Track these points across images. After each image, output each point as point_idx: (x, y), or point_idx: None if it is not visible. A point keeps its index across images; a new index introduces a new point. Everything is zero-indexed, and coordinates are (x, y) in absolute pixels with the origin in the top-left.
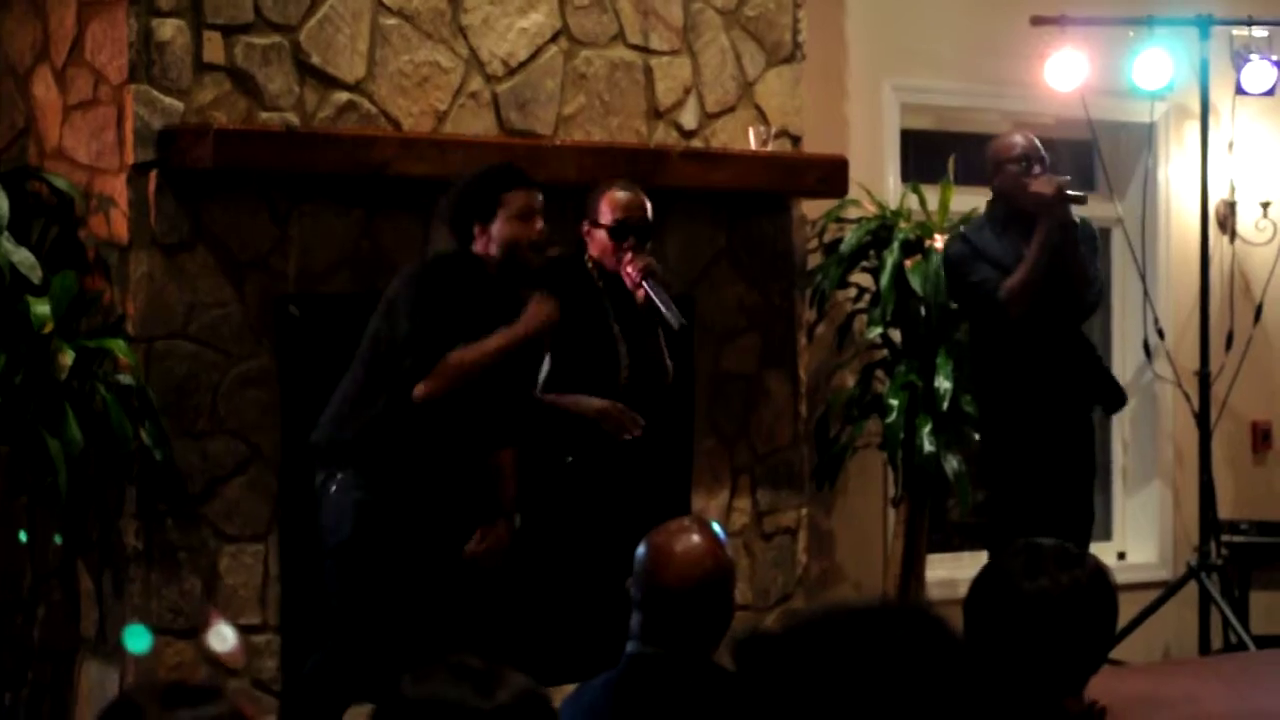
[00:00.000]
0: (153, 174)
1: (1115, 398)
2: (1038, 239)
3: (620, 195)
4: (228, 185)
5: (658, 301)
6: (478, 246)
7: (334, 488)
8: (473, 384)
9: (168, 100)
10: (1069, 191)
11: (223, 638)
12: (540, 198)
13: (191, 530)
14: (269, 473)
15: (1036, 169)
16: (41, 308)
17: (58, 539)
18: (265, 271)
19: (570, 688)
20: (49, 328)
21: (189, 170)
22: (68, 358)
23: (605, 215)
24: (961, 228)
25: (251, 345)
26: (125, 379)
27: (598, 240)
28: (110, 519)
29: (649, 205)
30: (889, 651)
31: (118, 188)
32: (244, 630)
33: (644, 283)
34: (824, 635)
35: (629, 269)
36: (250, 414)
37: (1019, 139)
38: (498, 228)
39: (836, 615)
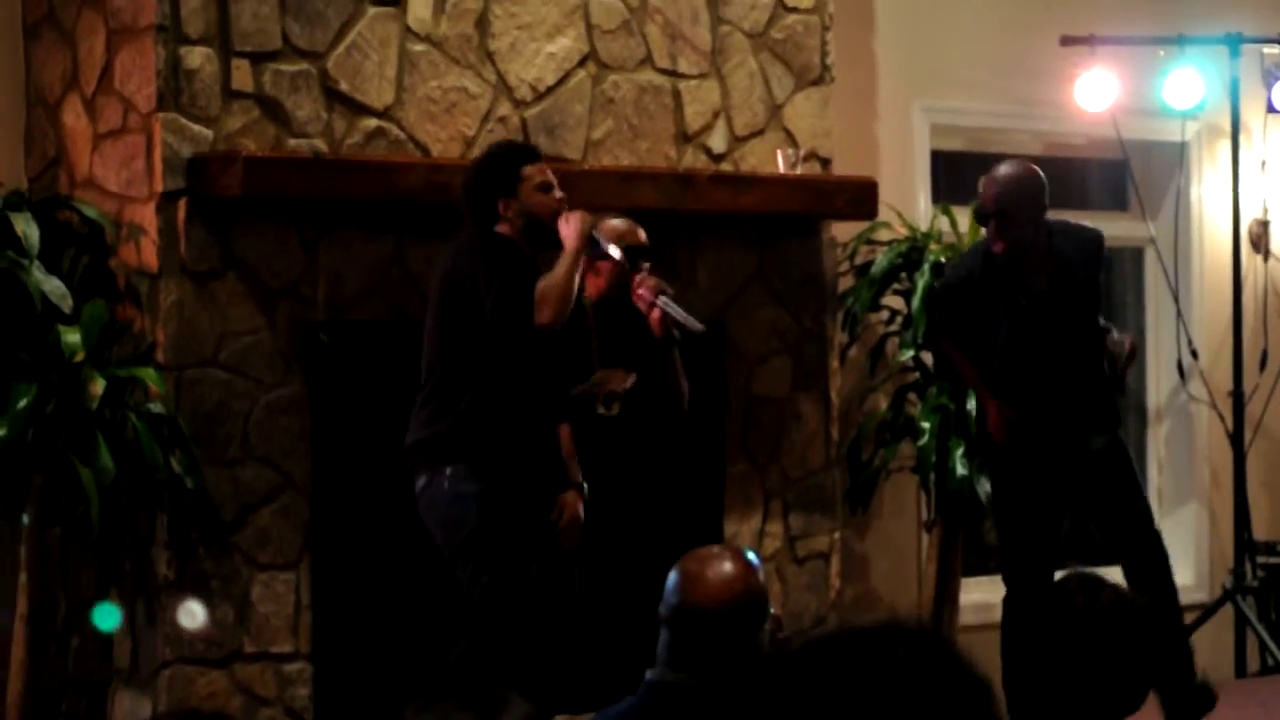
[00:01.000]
0: (182, 202)
1: (1110, 421)
2: (979, 391)
3: (618, 224)
4: (257, 212)
5: (676, 315)
6: (502, 226)
7: (445, 484)
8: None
9: (196, 128)
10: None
11: (191, 614)
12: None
13: (223, 558)
14: (300, 500)
15: (993, 225)
16: (72, 337)
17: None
18: (295, 298)
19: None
20: (80, 357)
21: (218, 198)
22: (99, 386)
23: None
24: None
25: (282, 372)
26: (156, 407)
27: (602, 271)
28: (142, 548)
29: (640, 230)
30: (893, 672)
31: (147, 216)
32: (276, 659)
33: (658, 301)
34: (829, 657)
35: (641, 291)
36: (281, 441)
37: (988, 187)
38: (522, 201)
39: (843, 637)
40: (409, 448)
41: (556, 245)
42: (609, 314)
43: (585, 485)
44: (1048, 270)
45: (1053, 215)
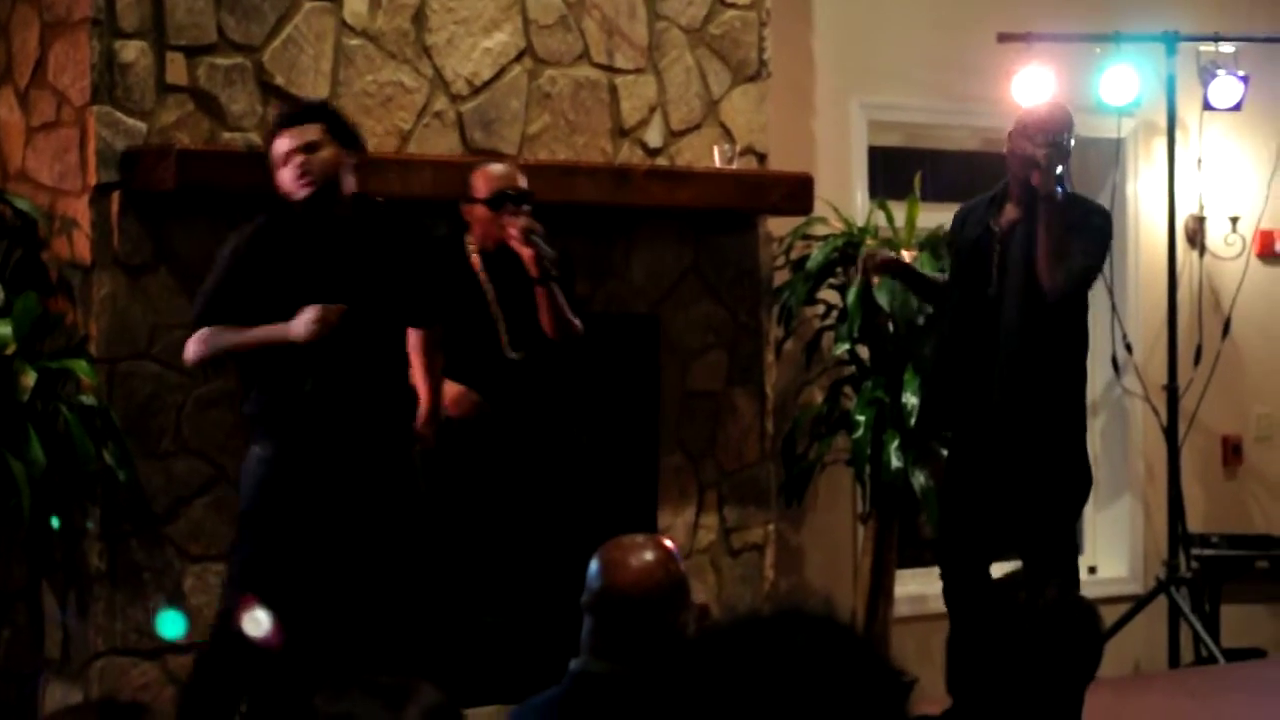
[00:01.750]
0: (115, 195)
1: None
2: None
3: (493, 168)
4: (191, 206)
5: (543, 249)
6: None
7: (249, 462)
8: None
9: (130, 121)
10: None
11: (257, 622)
12: (304, 133)
13: (156, 550)
14: (233, 492)
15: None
16: (3, 329)
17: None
18: None
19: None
20: (11, 349)
21: (152, 191)
22: (30, 379)
23: (481, 190)
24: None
25: (214, 366)
26: (88, 400)
27: (477, 216)
28: (74, 540)
29: (521, 176)
30: (794, 658)
31: (80, 209)
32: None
33: (528, 240)
34: (732, 645)
35: (512, 231)
36: (213, 435)
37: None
38: (273, 171)
39: (744, 624)
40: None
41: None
42: (499, 263)
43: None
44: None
45: None
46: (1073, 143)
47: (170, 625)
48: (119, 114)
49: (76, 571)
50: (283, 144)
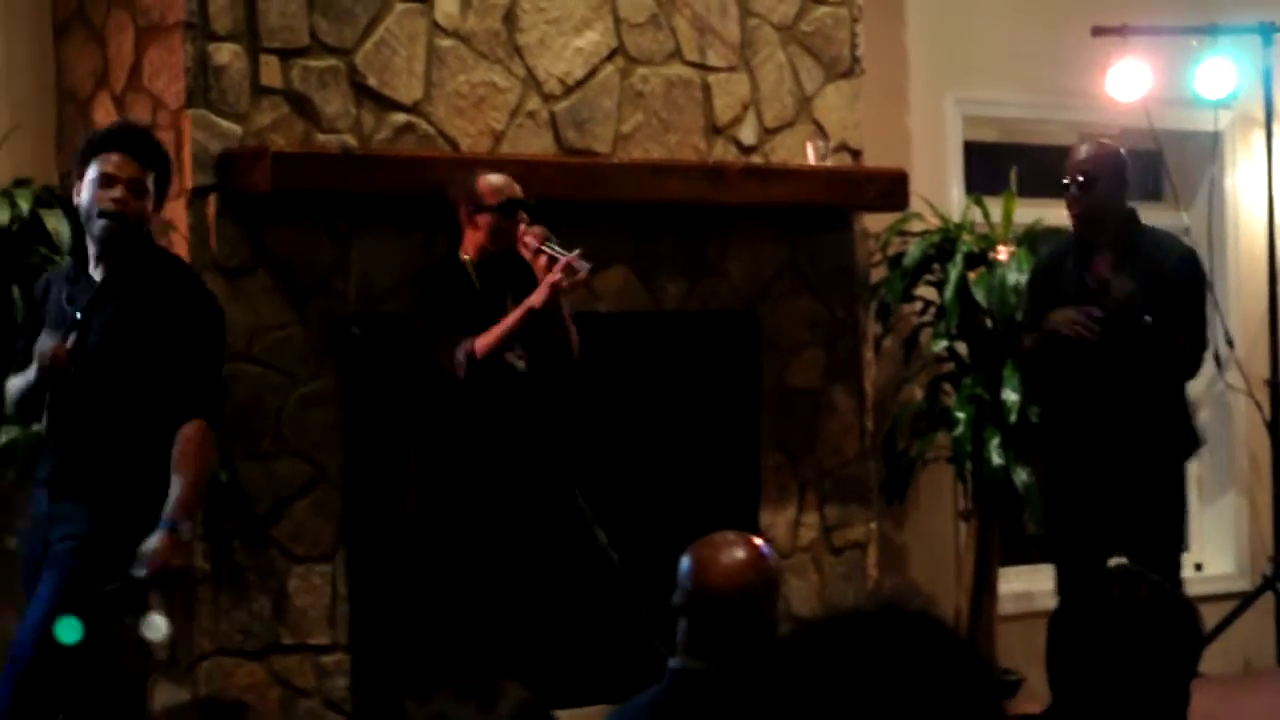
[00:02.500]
0: (212, 198)
1: (1186, 442)
2: (1038, 332)
3: (495, 179)
4: (287, 208)
5: (565, 257)
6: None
7: None
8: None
9: (225, 124)
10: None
11: (155, 627)
12: (126, 163)
13: (259, 551)
14: (334, 493)
15: (1071, 191)
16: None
17: None
18: (326, 293)
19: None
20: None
21: (248, 194)
22: None
23: (490, 198)
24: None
25: (314, 366)
26: None
27: (483, 225)
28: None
29: (516, 184)
30: (888, 655)
31: (177, 212)
32: (313, 650)
33: (545, 247)
34: (824, 642)
35: (527, 239)
36: (314, 434)
37: (1067, 159)
38: (85, 190)
39: (839, 622)
40: None
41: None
42: (492, 271)
43: (185, 526)
44: (1127, 267)
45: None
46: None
47: (67, 631)
48: (214, 117)
49: None
50: (108, 166)
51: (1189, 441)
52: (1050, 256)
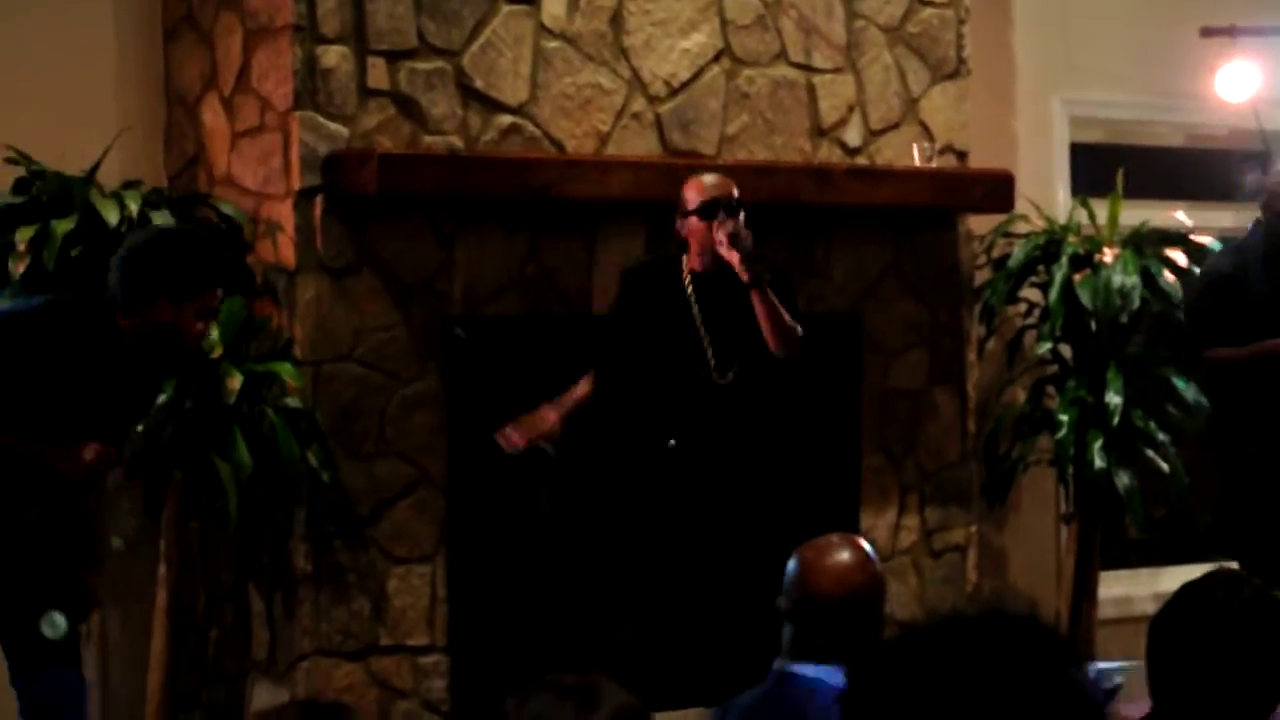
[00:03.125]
0: (319, 199)
1: None
2: (1257, 348)
3: (705, 179)
4: (393, 209)
5: (748, 251)
6: (147, 314)
7: None
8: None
9: (333, 126)
10: None
11: (54, 624)
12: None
13: (360, 552)
14: (436, 494)
15: None
16: (211, 333)
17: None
18: (431, 294)
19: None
20: (218, 352)
21: (354, 195)
22: (236, 382)
23: (691, 201)
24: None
25: (418, 367)
26: (293, 402)
27: (691, 229)
28: (280, 541)
29: (733, 185)
30: (993, 659)
31: (284, 213)
32: (412, 651)
33: (733, 243)
34: (930, 644)
35: (719, 236)
36: (417, 436)
37: None
38: (181, 316)
39: (944, 624)
40: None
41: (164, 361)
42: (712, 285)
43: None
44: None
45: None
46: None
47: (52, 627)
48: (321, 119)
49: (282, 573)
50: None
51: None
52: (1228, 265)
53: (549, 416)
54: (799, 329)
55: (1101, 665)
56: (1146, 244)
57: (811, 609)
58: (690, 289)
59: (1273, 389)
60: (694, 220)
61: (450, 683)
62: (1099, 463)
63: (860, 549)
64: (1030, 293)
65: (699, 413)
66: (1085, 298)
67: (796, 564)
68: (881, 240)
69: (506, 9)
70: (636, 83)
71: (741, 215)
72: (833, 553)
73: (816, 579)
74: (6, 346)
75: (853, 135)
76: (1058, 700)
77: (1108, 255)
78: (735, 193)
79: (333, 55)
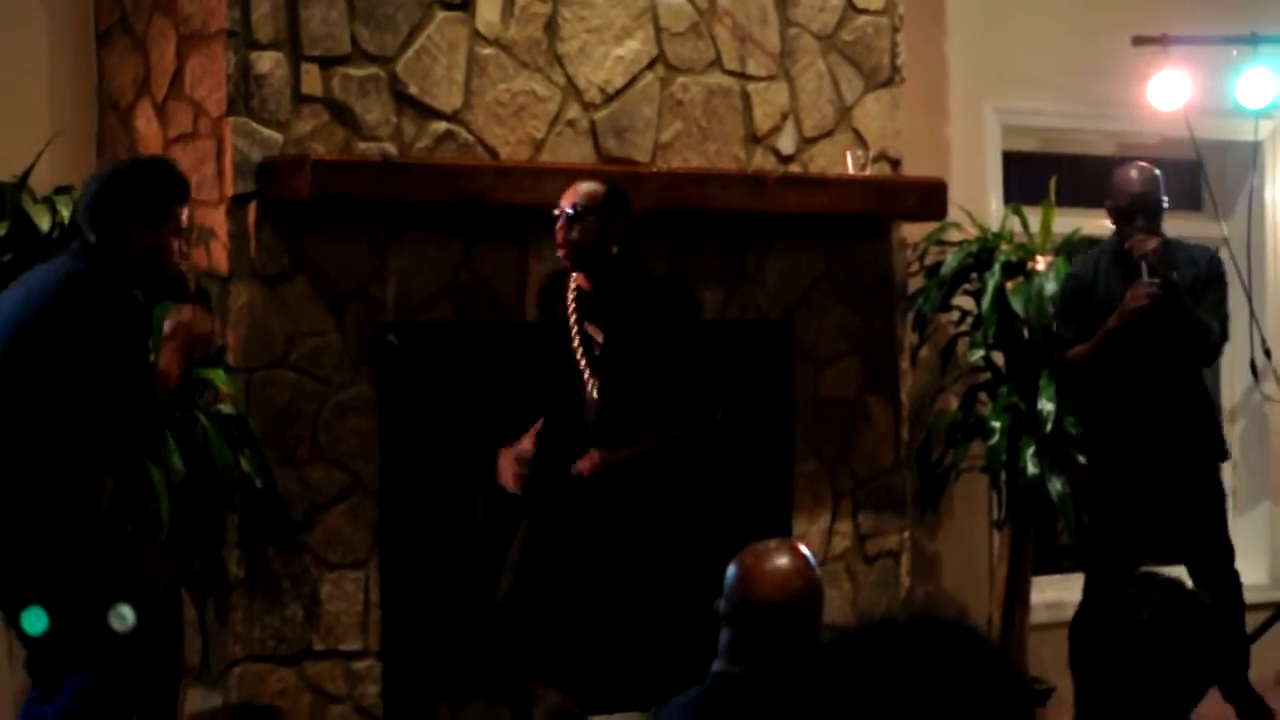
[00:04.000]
0: (252, 205)
1: (1217, 451)
2: (1113, 320)
3: (576, 184)
4: (326, 216)
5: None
6: (129, 247)
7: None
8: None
9: (266, 132)
10: (1145, 254)
11: (122, 617)
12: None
13: (293, 558)
14: (369, 500)
15: (1139, 221)
16: (186, 251)
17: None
18: (365, 301)
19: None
20: (151, 358)
21: (288, 201)
22: None
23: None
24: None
25: (351, 374)
26: (226, 408)
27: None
28: (213, 547)
29: (576, 193)
30: (920, 664)
31: (218, 219)
32: (345, 657)
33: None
34: (862, 650)
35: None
36: (350, 442)
37: (1134, 184)
38: (159, 237)
39: (873, 630)
40: None
41: (170, 287)
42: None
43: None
44: (1155, 277)
45: None
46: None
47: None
48: (255, 125)
49: (215, 579)
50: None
51: (1220, 450)
52: (1083, 269)
53: (523, 444)
54: None
55: None
56: (1078, 252)
57: (751, 613)
58: (573, 303)
59: (1115, 375)
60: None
61: (383, 688)
62: (1031, 469)
63: (800, 555)
64: (963, 300)
65: (586, 426)
66: (1018, 305)
67: (737, 568)
68: (815, 248)
69: (441, 15)
70: (571, 90)
71: (593, 225)
72: (773, 558)
73: (757, 584)
74: (88, 311)
75: (786, 143)
76: (986, 705)
77: (1040, 263)
78: (596, 205)
79: (266, 61)
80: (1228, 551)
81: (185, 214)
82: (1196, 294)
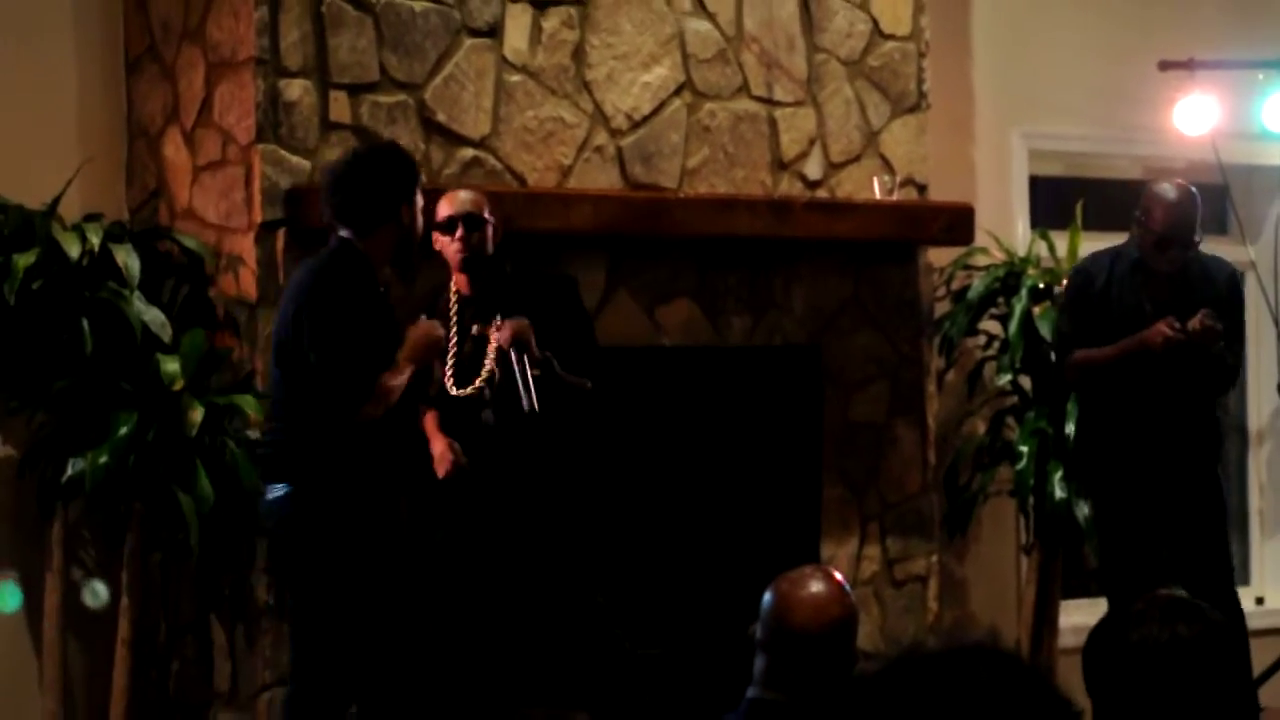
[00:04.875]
0: (280, 233)
1: (1215, 473)
2: (1124, 345)
3: (458, 194)
4: None
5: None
6: (391, 230)
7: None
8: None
9: (295, 159)
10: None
11: (95, 593)
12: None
13: None
14: None
15: (1174, 252)
16: (172, 365)
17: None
18: None
19: None
20: (179, 385)
21: (315, 228)
22: (198, 414)
23: (440, 214)
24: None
25: None
26: (255, 434)
27: (437, 241)
28: (241, 573)
29: (485, 205)
30: (976, 694)
31: (246, 246)
32: None
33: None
34: (914, 679)
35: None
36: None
37: (1174, 212)
38: (408, 220)
39: (915, 659)
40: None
41: (415, 268)
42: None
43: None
44: (1175, 288)
45: None
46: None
47: (7, 598)
48: (283, 152)
49: (244, 604)
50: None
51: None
52: (1094, 266)
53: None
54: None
55: None
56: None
57: (787, 640)
58: (455, 306)
59: (1133, 389)
60: (437, 234)
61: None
62: (1059, 493)
63: (836, 582)
64: (990, 325)
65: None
66: (1045, 329)
67: (773, 595)
68: (842, 273)
69: (469, 42)
70: (598, 116)
71: (489, 230)
72: (809, 585)
73: (793, 611)
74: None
75: (813, 168)
76: None
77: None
78: (485, 212)
79: (295, 89)
80: (1228, 573)
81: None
82: (1220, 311)
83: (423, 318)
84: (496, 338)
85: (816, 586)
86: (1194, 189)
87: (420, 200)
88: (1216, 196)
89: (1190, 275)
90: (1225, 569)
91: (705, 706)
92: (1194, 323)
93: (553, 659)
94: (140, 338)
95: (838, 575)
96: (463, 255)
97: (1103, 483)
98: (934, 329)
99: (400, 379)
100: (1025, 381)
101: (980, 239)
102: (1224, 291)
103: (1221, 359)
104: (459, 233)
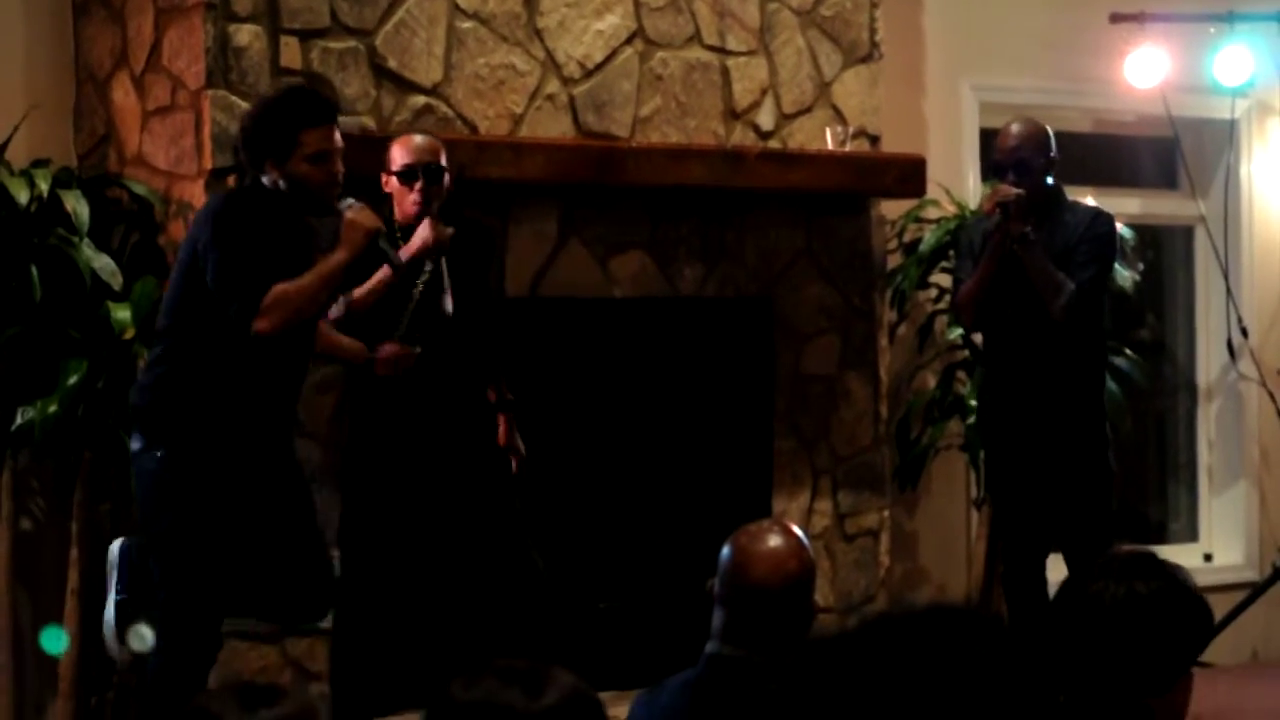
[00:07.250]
0: (231, 179)
1: (1100, 440)
2: (981, 263)
3: (414, 139)
4: None
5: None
6: (267, 180)
7: (153, 463)
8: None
9: (245, 105)
10: (1007, 202)
11: (141, 637)
12: (339, 135)
13: None
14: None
15: (1010, 177)
16: (122, 313)
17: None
18: None
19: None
20: (130, 333)
21: None
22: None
23: (396, 161)
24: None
25: None
26: None
27: (392, 188)
28: None
29: (441, 153)
30: (939, 654)
31: (196, 193)
32: (326, 634)
33: (424, 211)
34: (875, 640)
35: (409, 207)
36: (323, 419)
37: (1010, 138)
38: (292, 168)
39: (889, 620)
40: (133, 406)
41: (327, 213)
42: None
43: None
44: (1045, 231)
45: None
46: (1051, 154)
47: (53, 641)
48: (233, 98)
49: None
50: (329, 140)
51: (1102, 438)
52: (973, 224)
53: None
54: (448, 307)
55: None
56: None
57: (746, 595)
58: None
59: (1001, 354)
60: (394, 181)
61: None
62: None
63: (795, 537)
64: (941, 278)
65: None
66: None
67: (731, 550)
68: (794, 224)
69: None
70: (550, 64)
71: (446, 180)
72: (768, 539)
73: (752, 566)
74: (255, 220)
75: (766, 119)
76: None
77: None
78: (443, 160)
79: (245, 34)
80: (1107, 542)
81: (325, 135)
82: (1070, 252)
83: (352, 202)
84: (436, 230)
85: (775, 541)
86: (1045, 126)
87: (339, 140)
88: (1166, 150)
89: (1058, 219)
90: (1104, 537)
91: (661, 660)
92: (998, 195)
93: (504, 619)
94: (90, 285)
95: (796, 529)
96: (420, 206)
97: (986, 440)
98: (886, 281)
99: (332, 263)
100: (977, 337)
101: (932, 191)
102: (1083, 228)
103: (1053, 282)
104: (419, 184)
